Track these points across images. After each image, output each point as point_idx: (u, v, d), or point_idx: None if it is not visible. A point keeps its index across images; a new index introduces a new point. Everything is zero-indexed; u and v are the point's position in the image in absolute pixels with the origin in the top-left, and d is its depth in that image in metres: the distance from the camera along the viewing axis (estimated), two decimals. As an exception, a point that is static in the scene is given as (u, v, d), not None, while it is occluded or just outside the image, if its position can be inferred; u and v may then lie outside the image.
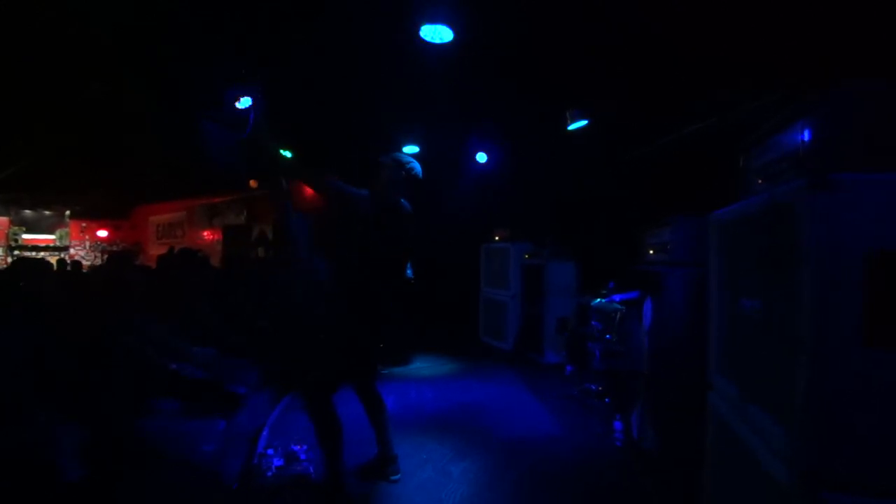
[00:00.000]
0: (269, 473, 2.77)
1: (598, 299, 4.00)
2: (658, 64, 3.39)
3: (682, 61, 3.22)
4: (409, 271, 3.74)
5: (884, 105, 1.33)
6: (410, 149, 6.06)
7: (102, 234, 11.74)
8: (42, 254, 10.50)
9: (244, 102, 3.98)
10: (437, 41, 3.07)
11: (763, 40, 2.60)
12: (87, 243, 11.56)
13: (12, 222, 10.63)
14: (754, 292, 1.57)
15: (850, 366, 1.14)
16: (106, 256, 11.02)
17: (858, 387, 1.13)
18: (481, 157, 6.02)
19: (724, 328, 1.87)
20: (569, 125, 4.62)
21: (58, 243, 11.24)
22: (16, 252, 10.38)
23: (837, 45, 2.29)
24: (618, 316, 3.57)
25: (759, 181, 1.78)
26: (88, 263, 9.88)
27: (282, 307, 3.86)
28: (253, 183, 8.43)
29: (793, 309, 1.27)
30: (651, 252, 3.00)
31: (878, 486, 1.11)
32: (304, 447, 2.97)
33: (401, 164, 2.64)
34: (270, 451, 2.96)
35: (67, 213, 11.43)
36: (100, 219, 11.70)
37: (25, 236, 10.81)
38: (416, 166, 2.67)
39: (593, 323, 4.14)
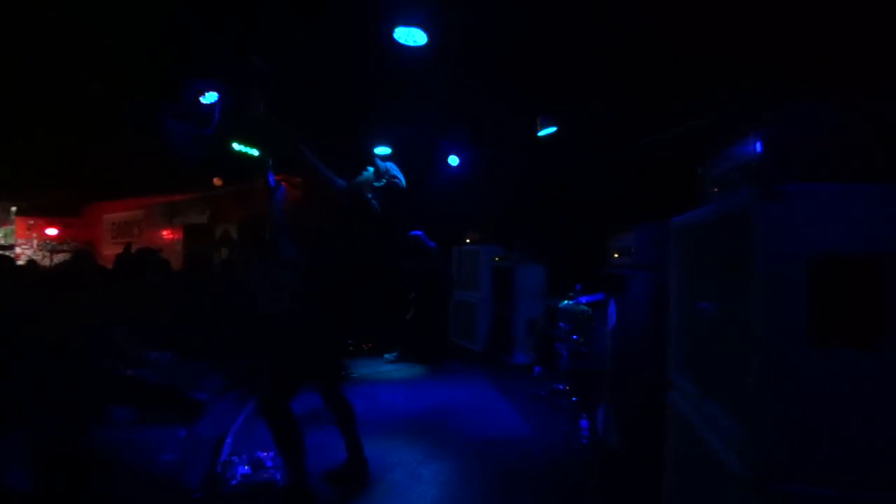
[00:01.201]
0: (234, 482, 2.68)
1: (566, 301, 4.11)
2: (625, 72, 3.51)
3: (649, 71, 3.35)
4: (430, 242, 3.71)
5: (827, 122, 1.44)
6: (382, 150, 6.03)
7: (52, 231, 11.06)
8: (-17, 253, 9.78)
9: (209, 97, 3.85)
10: (411, 44, 3.08)
11: (728, 56, 2.74)
12: (35, 242, 10.86)
13: (-50, 219, 9.89)
14: (711, 295, 1.66)
15: (797, 364, 1.22)
16: (57, 256, 10.41)
17: (805, 384, 1.22)
18: (453, 160, 6.06)
19: (683, 329, 1.95)
20: (539, 131, 4.72)
21: (2, 242, 10.51)
22: (-47, 251, 9.64)
23: (793, 64, 2.44)
24: (584, 317, 3.67)
25: (715, 189, 1.87)
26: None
27: (253, 305, 3.75)
28: (217, 181, 8.17)
29: (745, 311, 1.34)
30: (616, 256, 3.10)
31: (820, 476, 1.20)
32: (271, 454, 2.89)
33: (385, 171, 2.68)
34: (235, 459, 2.86)
35: (13, 209, 10.70)
36: (49, 216, 11.01)
37: (-36, 234, 10.07)
38: (401, 178, 2.72)
39: (561, 324, 4.24)
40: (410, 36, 2.99)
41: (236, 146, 5.81)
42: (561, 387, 4.27)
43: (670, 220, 2.08)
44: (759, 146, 1.59)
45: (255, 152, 6.00)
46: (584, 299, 3.66)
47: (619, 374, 2.87)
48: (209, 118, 3.87)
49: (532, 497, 2.75)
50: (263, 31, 3.29)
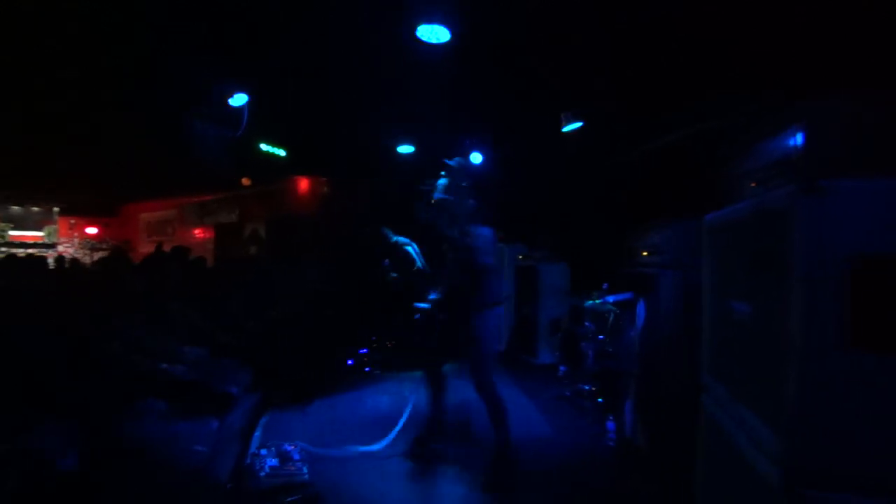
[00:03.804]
0: (263, 473, 2.76)
1: (592, 300, 4.03)
2: (650, 67, 3.42)
3: (674, 65, 3.26)
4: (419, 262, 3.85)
5: (873, 114, 1.36)
6: (405, 148, 6.05)
7: (92, 231, 11.59)
8: (30, 251, 10.33)
9: (238, 100, 3.94)
10: (434, 41, 3.08)
11: (755, 49, 2.64)
12: (76, 240, 11.40)
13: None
14: (745, 295, 1.60)
15: (835, 367, 1.17)
16: (96, 254, 10.89)
17: (844, 388, 1.16)
18: (476, 158, 6.03)
19: (715, 330, 1.89)
20: (563, 127, 4.64)
21: (46, 240, 11.06)
22: (2, 249, 10.20)
23: (831, 55, 2.33)
24: (611, 317, 3.60)
25: (753, 184, 1.81)
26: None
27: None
28: (245, 181, 8.37)
29: (781, 312, 1.29)
30: (644, 254, 3.03)
31: (858, 483, 1.14)
32: (298, 447, 2.96)
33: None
34: (264, 451, 2.94)
35: (56, 209, 11.26)
36: (89, 216, 11.54)
37: (13, 233, 10.62)
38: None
39: (586, 324, 4.18)
40: (434, 33, 2.98)
41: (263, 147, 5.95)
42: (586, 387, 4.21)
43: (701, 218, 2.02)
44: (798, 139, 1.52)
45: (281, 153, 6.13)
46: (610, 298, 3.58)
47: (648, 375, 2.80)
48: (237, 120, 3.97)
49: (556, 498, 2.72)
50: (285, 31, 3.33)
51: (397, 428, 3.50)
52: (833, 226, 1.17)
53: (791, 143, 1.61)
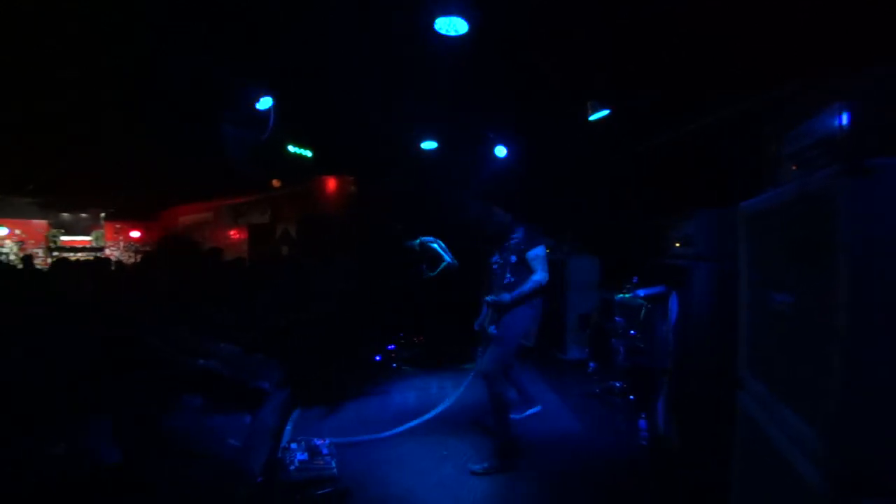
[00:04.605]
0: (293, 467, 2.82)
1: (622, 294, 3.91)
2: (680, 50, 3.25)
3: (704, 46, 3.08)
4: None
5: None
6: (429, 144, 6.04)
7: (135, 234, 12.20)
8: (79, 255, 10.98)
9: (264, 103, 4.01)
10: (452, 33, 3.03)
11: (793, 19, 2.45)
12: (122, 244, 12.03)
13: (51, 225, 11.15)
14: (786, 286, 1.49)
15: (889, 363, 1.07)
16: (140, 256, 11.44)
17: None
18: (500, 151, 5.94)
19: (754, 324, 1.79)
20: (590, 115, 4.51)
21: (94, 244, 11.74)
22: (55, 253, 10.88)
23: (877, 24, 2.14)
24: (642, 311, 3.48)
25: (794, 167, 1.69)
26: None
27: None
28: (276, 182, 8.58)
29: (828, 303, 1.20)
30: (676, 245, 2.90)
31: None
32: (326, 441, 3.01)
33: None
34: (294, 446, 3.01)
35: (102, 215, 11.91)
36: (133, 220, 12.15)
37: (64, 238, 11.32)
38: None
39: (617, 319, 4.05)
40: (452, 26, 2.94)
41: (291, 148, 6.07)
42: (617, 384, 4.09)
43: (735, 206, 1.91)
44: (843, 118, 1.40)
45: (308, 153, 6.24)
46: (641, 292, 3.45)
47: (682, 371, 2.69)
48: (264, 123, 4.05)
49: (584, 497, 2.65)
50: (278, 29, 3.35)
51: (427, 416, 3.59)
52: (881, 208, 1.07)
53: (835, 121, 1.49)
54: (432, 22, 2.91)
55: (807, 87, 2.04)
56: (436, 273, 4.19)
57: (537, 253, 3.00)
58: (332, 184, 8.38)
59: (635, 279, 3.77)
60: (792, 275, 1.47)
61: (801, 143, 1.66)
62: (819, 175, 1.32)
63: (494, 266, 3.25)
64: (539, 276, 2.97)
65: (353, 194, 8.26)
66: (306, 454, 2.93)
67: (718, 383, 2.01)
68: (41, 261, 10.36)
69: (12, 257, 9.94)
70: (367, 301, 5.74)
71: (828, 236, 1.21)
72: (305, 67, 3.93)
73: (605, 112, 4.46)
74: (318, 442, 3.02)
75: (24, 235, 10.59)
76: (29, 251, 10.03)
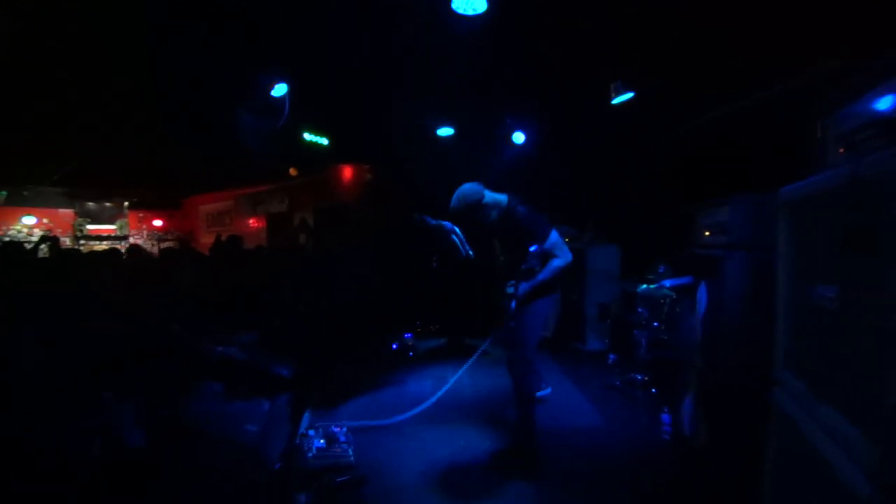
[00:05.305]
0: (310, 454, 2.83)
1: (645, 285, 3.80)
2: (712, 23, 3.06)
3: (744, 23, 2.89)
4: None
5: None
6: (445, 131, 5.94)
7: (158, 223, 12.46)
8: (105, 243, 11.27)
9: (279, 90, 3.98)
10: (471, 13, 2.92)
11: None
12: (145, 232, 12.30)
13: (77, 214, 11.46)
14: (831, 278, 1.39)
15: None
16: (163, 244, 11.70)
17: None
18: (518, 138, 5.81)
19: (793, 318, 1.69)
20: (613, 99, 4.34)
21: (118, 233, 12.03)
22: (81, 242, 11.19)
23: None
24: (667, 303, 3.37)
25: (841, 150, 1.57)
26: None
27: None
28: (293, 171, 8.61)
29: (879, 296, 1.11)
30: (707, 234, 2.78)
31: None
32: (343, 429, 3.01)
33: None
34: (311, 432, 3.02)
35: (126, 204, 12.17)
36: (155, 209, 12.40)
37: (89, 227, 11.63)
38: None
39: (639, 310, 3.95)
40: (469, 4, 2.83)
41: (307, 136, 6.05)
42: (639, 377, 4.00)
43: (774, 192, 1.80)
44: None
45: (324, 141, 6.22)
46: (667, 283, 3.34)
47: (711, 366, 2.59)
48: (280, 110, 4.02)
49: (609, 493, 2.59)
50: (294, 15, 3.29)
51: (432, 400, 3.61)
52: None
53: (890, 100, 1.37)
54: (449, 1, 2.81)
55: (855, 64, 1.88)
56: (447, 268, 4.16)
57: (552, 241, 2.88)
58: (348, 172, 8.37)
59: (661, 269, 3.65)
60: (838, 265, 1.37)
61: (851, 125, 1.54)
62: (872, 158, 1.22)
63: (508, 253, 3.14)
64: (560, 260, 2.82)
65: (370, 182, 8.23)
66: (324, 441, 2.94)
67: (750, 378, 1.91)
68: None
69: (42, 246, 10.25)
70: (384, 289, 5.74)
71: (881, 224, 1.12)
72: (321, 53, 3.87)
73: (629, 95, 4.29)
74: (336, 429, 3.02)
75: (51, 224, 10.90)
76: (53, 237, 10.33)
